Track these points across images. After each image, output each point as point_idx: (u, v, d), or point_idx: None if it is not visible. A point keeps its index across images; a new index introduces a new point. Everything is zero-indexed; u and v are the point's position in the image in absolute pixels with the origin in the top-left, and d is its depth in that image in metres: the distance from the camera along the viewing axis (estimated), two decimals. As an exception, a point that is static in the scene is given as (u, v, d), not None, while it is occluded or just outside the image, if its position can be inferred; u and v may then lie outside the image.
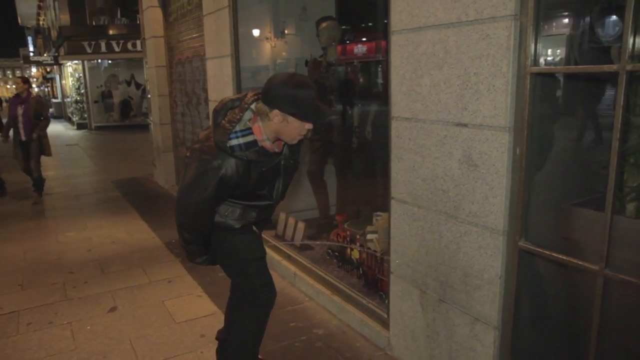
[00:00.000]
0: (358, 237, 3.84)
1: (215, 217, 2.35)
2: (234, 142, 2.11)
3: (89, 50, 18.23)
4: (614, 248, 1.82)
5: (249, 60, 4.98)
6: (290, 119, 2.07)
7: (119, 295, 4.04)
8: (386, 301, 3.04)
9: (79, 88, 20.42)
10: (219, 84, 5.04)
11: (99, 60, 20.08)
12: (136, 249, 5.15)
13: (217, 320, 3.54)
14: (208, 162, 2.12)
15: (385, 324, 3.05)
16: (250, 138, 2.14)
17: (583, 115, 2.36)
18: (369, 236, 3.66)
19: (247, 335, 2.61)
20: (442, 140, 2.36)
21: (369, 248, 3.62)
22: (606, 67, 1.71)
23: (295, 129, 2.10)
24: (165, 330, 3.44)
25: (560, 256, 1.96)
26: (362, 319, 3.24)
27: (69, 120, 22.54)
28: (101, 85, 20.09)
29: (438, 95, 2.35)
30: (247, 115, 2.16)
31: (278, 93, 2.05)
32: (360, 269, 3.69)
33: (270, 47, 5.23)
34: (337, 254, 4.10)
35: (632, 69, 1.66)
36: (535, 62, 1.97)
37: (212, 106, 5.23)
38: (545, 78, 2.05)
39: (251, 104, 2.16)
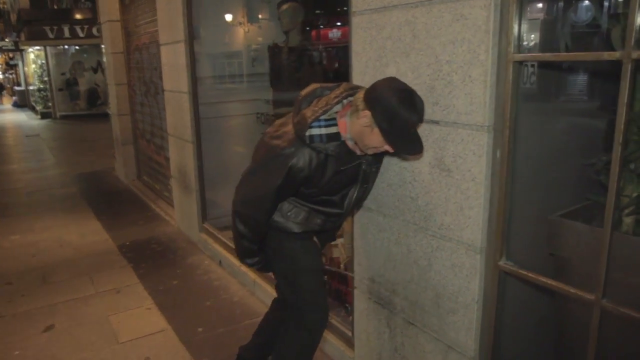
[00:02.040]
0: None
1: (276, 215, 2.12)
2: (315, 130, 1.88)
3: (51, 36, 17.37)
4: (613, 271, 1.50)
5: (212, 46, 4.57)
6: (377, 130, 1.80)
7: (59, 310, 3.62)
8: (350, 317, 2.71)
9: (41, 75, 19.55)
10: (174, 72, 4.62)
11: (66, 47, 19.20)
12: (86, 254, 4.72)
13: (166, 339, 3.18)
14: (280, 147, 1.94)
15: (350, 342, 2.72)
16: (333, 130, 1.91)
17: (575, 112, 2.03)
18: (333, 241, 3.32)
19: None
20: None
21: (332, 256, 3.28)
22: (606, 55, 1.38)
23: (375, 141, 1.85)
24: (106, 353, 3.05)
25: (549, 281, 1.64)
26: (325, 336, 2.91)
27: (33, 109, 21.63)
28: (65, 73, 19.24)
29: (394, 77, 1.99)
30: (337, 107, 1.93)
31: (382, 96, 1.77)
32: (325, 277, 3.34)
33: (242, 32, 4.81)
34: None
35: (639, 56, 1.33)
36: (519, 48, 1.63)
37: (167, 96, 4.82)
38: (532, 68, 1.72)
39: (344, 97, 1.93)
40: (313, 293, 2.24)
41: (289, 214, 2.13)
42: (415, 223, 2.07)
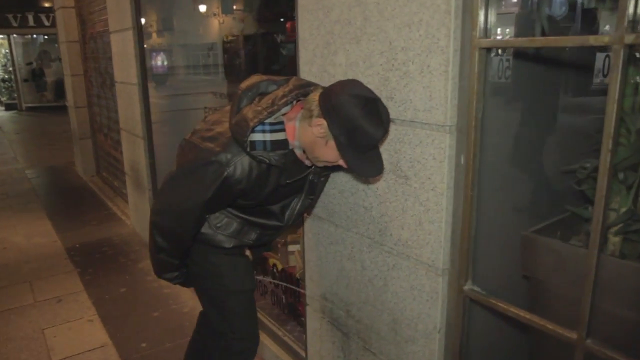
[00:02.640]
0: (280, 246, 3.19)
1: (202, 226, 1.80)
2: (258, 136, 1.54)
3: (14, 24, 16.64)
4: (598, 302, 1.23)
5: (171, 36, 4.21)
6: (332, 143, 1.48)
7: (-11, 323, 3.27)
8: (304, 336, 2.43)
9: (5, 65, 18.78)
10: (123, 63, 4.25)
11: (34, 36, 18.45)
12: (30, 258, 4.35)
13: (105, 356, 2.86)
14: (213, 153, 1.58)
15: (304, 364, 2.44)
16: (280, 136, 1.58)
17: (554, 109, 1.76)
18: (290, 247, 3.02)
19: None
20: (363, 141, 1.72)
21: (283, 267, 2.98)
22: (592, 39, 1.11)
23: (328, 155, 1.55)
24: (34, 375, 2.73)
25: (521, 313, 1.36)
26: (277, 354, 2.62)
27: (-1, 100, 20.83)
28: (32, 63, 18.49)
29: (356, 78, 1.70)
30: (285, 109, 1.59)
31: (342, 105, 1.44)
32: (281, 287, 3.05)
33: (204, 20, 4.43)
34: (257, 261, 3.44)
35: (634, 41, 1.05)
36: (486, 32, 1.35)
37: (118, 88, 4.46)
38: (501, 56, 1.44)
39: (294, 97, 1.59)
40: (242, 318, 1.95)
41: (218, 225, 1.81)
42: (369, 237, 1.79)
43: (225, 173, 1.56)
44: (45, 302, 3.55)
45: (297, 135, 1.59)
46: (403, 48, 1.50)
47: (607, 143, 1.09)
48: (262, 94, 1.63)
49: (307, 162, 1.67)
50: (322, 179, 1.84)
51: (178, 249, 1.80)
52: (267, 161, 1.56)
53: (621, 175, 1.34)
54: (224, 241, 1.82)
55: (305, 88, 1.61)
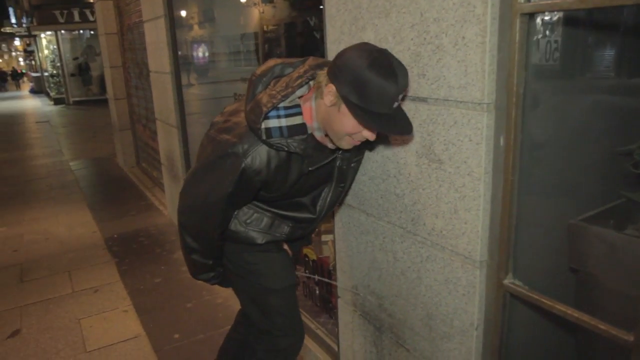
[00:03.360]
0: (313, 236, 3.09)
1: (232, 224, 1.73)
2: (273, 122, 1.43)
3: (61, 20, 17.16)
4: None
5: (212, 27, 4.15)
6: (344, 108, 1.37)
7: (29, 312, 3.32)
8: (337, 329, 2.33)
9: (54, 61, 19.39)
10: (156, 52, 4.24)
11: (80, 31, 18.95)
12: (70, 248, 4.42)
13: (138, 347, 2.86)
14: (230, 144, 1.50)
15: (336, 357, 2.35)
16: (297, 120, 1.46)
17: (608, 88, 1.58)
18: (323, 237, 2.92)
19: None
20: (393, 123, 1.60)
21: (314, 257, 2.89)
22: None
23: (346, 125, 1.41)
24: (69, 364, 2.74)
25: (569, 312, 1.22)
26: (310, 347, 2.54)
27: (48, 95, 21.55)
28: (78, 58, 19.02)
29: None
30: (301, 91, 1.47)
31: (347, 62, 1.32)
32: (316, 278, 2.96)
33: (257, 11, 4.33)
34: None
35: None
36: (529, -4, 1.20)
37: (153, 78, 4.45)
38: (548, 23, 1.29)
39: (310, 77, 1.46)
40: (284, 316, 1.86)
41: (248, 221, 1.72)
42: (401, 226, 1.67)
43: (243, 165, 1.47)
44: (82, 292, 3.59)
45: (314, 116, 1.48)
46: (435, 19, 1.36)
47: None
48: (278, 78, 1.52)
49: (331, 145, 1.55)
50: (353, 164, 1.73)
51: (209, 248, 1.73)
52: (286, 148, 1.45)
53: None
54: (256, 237, 1.74)
55: (322, 66, 1.48)
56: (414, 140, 1.53)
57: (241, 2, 3.73)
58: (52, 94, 19.69)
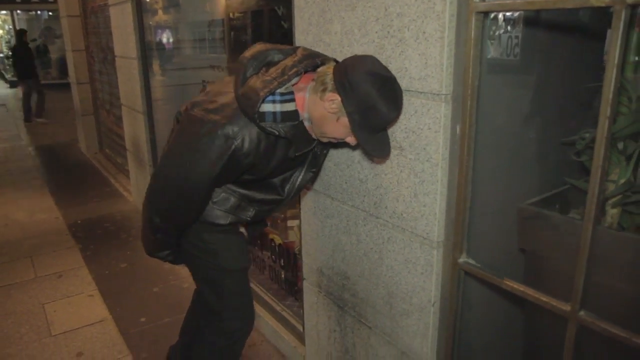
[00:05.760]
0: (279, 221, 3.17)
1: None
2: (267, 107, 1.48)
3: (17, 0, 16.55)
4: (593, 275, 1.20)
5: (177, 13, 4.12)
6: (344, 120, 1.45)
7: (-9, 297, 3.29)
8: (302, 311, 2.42)
9: (9, 42, 18.68)
10: (123, 36, 4.20)
11: (39, 12, 18.28)
12: (32, 234, 4.36)
13: (104, 331, 2.87)
14: (219, 125, 1.51)
15: (301, 338, 2.44)
16: (290, 107, 1.52)
17: (554, 76, 1.70)
18: (289, 222, 3.00)
19: None
20: (358, 112, 1.69)
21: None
22: (594, 0, 1.06)
23: (337, 131, 1.52)
24: (34, 348, 2.74)
25: (516, 286, 1.34)
26: (276, 329, 2.63)
27: (3, 77, 20.79)
28: (35, 39, 18.36)
29: (352, 47, 1.66)
30: (295, 79, 1.53)
31: (359, 82, 1.39)
32: (281, 261, 3.04)
33: None
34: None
35: (636, 1, 1.00)
36: (485, -5, 1.30)
37: (118, 63, 4.41)
38: (509, 20, 1.39)
39: (304, 68, 1.52)
40: (236, 297, 1.92)
41: (214, 200, 1.75)
42: (364, 209, 1.76)
43: (233, 146, 1.50)
44: (46, 277, 3.57)
45: (306, 107, 1.54)
46: (399, 14, 1.45)
47: (606, 110, 1.05)
48: (269, 63, 1.57)
49: (314, 135, 1.63)
50: (325, 151, 1.81)
51: (177, 229, 1.76)
52: (277, 133, 1.51)
53: (620, 145, 1.30)
54: (221, 217, 1.77)
55: (315, 59, 1.55)
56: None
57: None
58: (7, 76, 18.95)
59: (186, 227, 1.77)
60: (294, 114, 1.53)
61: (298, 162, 1.75)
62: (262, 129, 1.50)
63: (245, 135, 1.50)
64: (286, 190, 1.80)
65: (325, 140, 1.60)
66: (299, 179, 1.79)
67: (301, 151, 1.63)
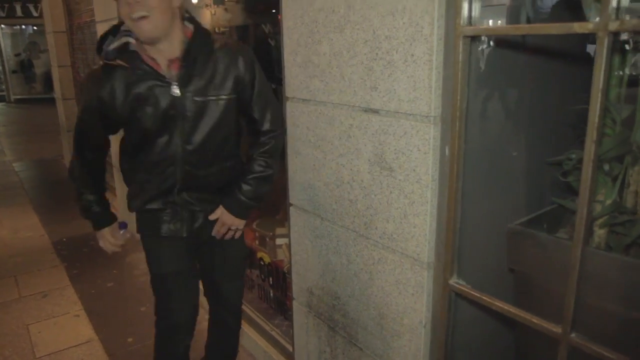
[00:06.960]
0: (268, 239, 3.15)
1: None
2: (106, 45, 1.71)
3: (2, 14, 16.42)
4: (584, 296, 1.21)
5: None
6: None
7: (-27, 319, 3.23)
8: (291, 331, 2.40)
9: (-5, 56, 18.52)
10: (109, 53, 4.18)
11: (23, 26, 18.16)
12: (16, 252, 4.30)
13: (91, 352, 2.83)
14: (95, 71, 1.76)
15: (291, 358, 2.42)
16: (124, 39, 1.70)
17: (541, 100, 1.72)
18: (278, 240, 2.99)
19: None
20: (347, 132, 1.69)
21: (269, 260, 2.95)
22: (577, 27, 1.07)
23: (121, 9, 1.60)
24: (17, 371, 2.69)
25: (506, 307, 1.34)
26: (265, 349, 2.60)
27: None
28: (20, 54, 18.24)
29: (340, 69, 1.67)
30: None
31: None
32: (270, 280, 3.02)
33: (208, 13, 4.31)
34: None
35: (618, 28, 1.02)
36: (471, 20, 1.31)
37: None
38: (487, 45, 1.41)
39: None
40: (164, 298, 2.00)
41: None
42: (354, 230, 1.76)
43: (84, 85, 1.81)
44: (30, 297, 3.51)
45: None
46: (387, 37, 1.46)
47: (592, 133, 1.07)
48: None
49: (162, 67, 1.69)
50: (212, 99, 1.73)
51: (82, 184, 1.94)
52: (112, 61, 1.66)
53: (606, 167, 1.32)
54: (130, 202, 1.97)
55: None
56: (366, 149, 1.62)
57: (192, 3, 3.74)
58: (-8, 91, 18.78)
59: (84, 167, 1.92)
60: (126, 45, 1.71)
61: (173, 116, 1.77)
62: (105, 64, 1.71)
63: (92, 73, 1.81)
64: (172, 147, 1.81)
65: (139, 33, 1.62)
66: (179, 134, 1.79)
67: (139, 83, 1.71)
